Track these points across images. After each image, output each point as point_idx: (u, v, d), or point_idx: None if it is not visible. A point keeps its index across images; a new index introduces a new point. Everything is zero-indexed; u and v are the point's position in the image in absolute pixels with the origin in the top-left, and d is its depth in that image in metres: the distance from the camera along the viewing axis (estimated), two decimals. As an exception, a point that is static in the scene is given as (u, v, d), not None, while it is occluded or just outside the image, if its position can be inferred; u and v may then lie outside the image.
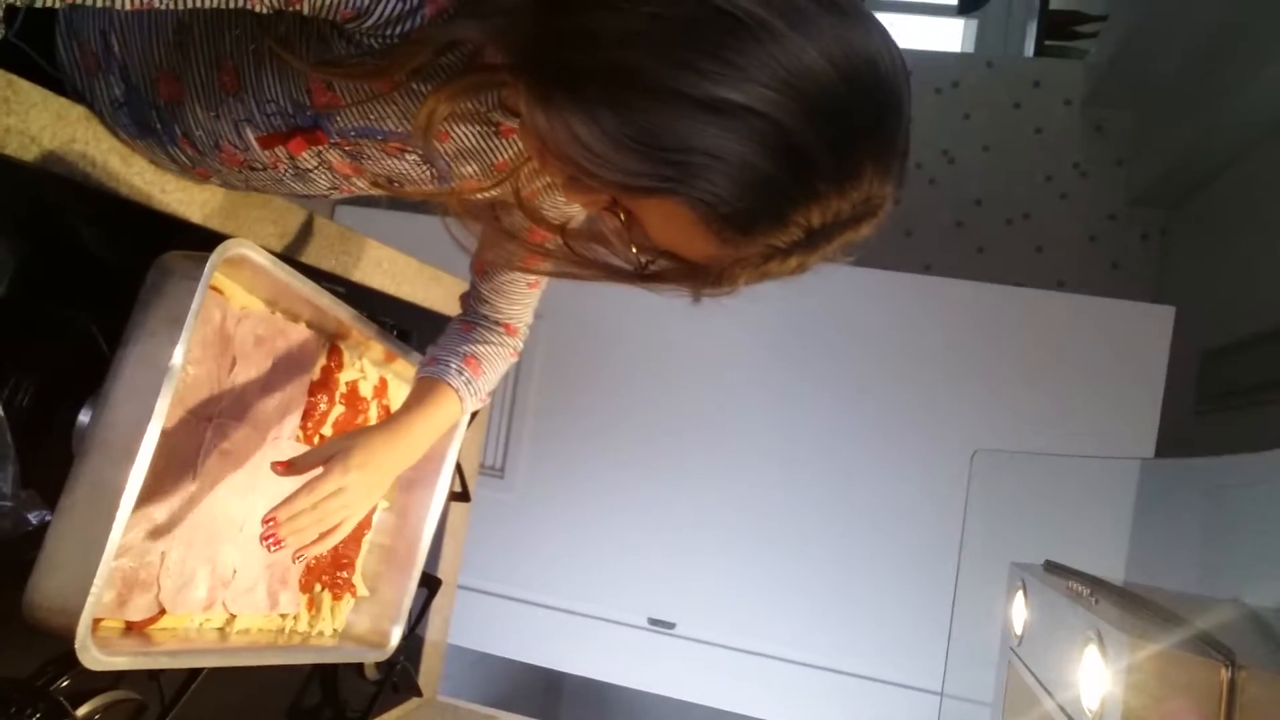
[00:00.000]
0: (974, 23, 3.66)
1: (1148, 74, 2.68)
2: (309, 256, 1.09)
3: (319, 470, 0.81)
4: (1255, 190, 2.29)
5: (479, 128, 0.73)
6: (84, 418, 0.74)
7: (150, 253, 0.75)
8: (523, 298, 0.97)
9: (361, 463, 0.82)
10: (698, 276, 0.60)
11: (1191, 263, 2.67)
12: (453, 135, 0.73)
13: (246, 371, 0.86)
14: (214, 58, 0.71)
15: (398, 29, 0.60)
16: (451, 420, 0.93)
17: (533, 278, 0.95)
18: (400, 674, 1.32)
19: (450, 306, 1.41)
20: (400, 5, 0.59)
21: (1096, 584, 0.88)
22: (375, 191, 0.84)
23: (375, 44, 0.62)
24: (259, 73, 0.70)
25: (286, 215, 1.04)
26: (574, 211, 0.81)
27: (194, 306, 0.72)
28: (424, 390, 0.92)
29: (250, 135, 0.75)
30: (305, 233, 1.08)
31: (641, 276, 0.64)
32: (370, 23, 0.60)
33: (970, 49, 3.69)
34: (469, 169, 0.77)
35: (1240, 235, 2.35)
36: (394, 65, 0.63)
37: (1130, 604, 0.79)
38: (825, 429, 2.09)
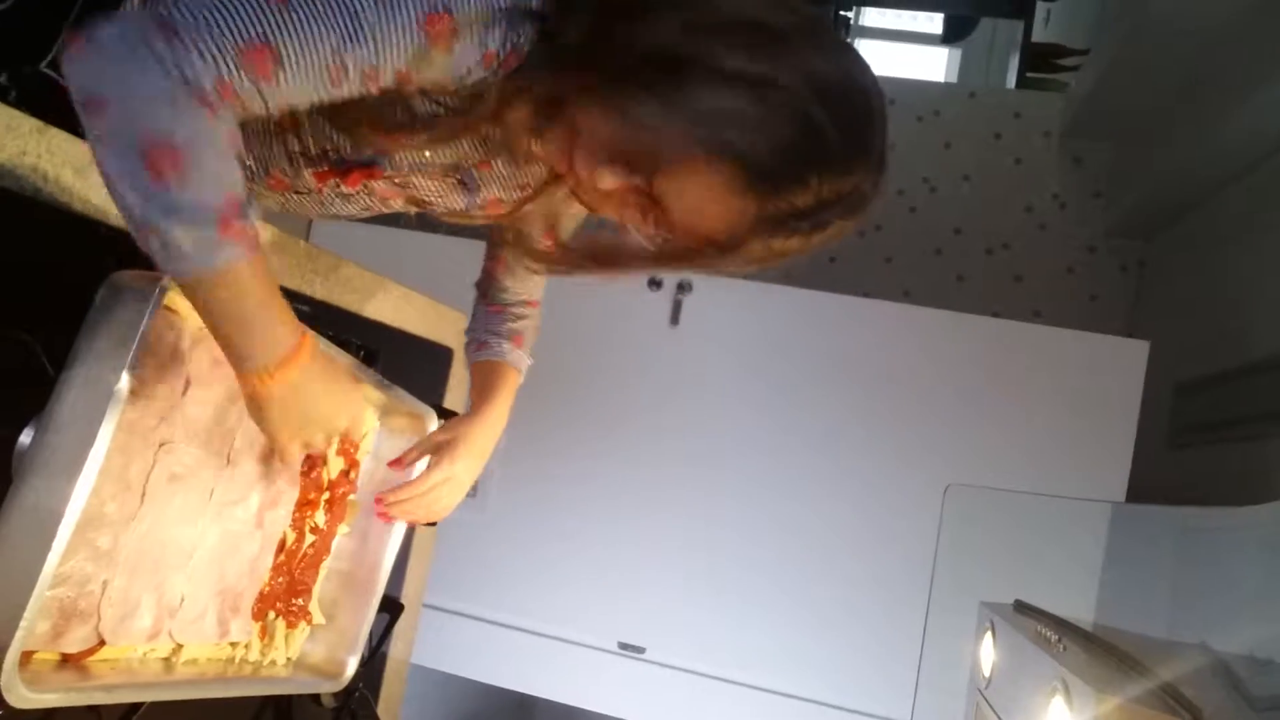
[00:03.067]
0: (958, 53, 3.70)
1: (1127, 107, 2.71)
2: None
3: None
4: (1231, 224, 2.31)
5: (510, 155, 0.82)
6: (25, 439, 0.72)
7: (102, 271, 0.73)
8: (537, 278, 1.10)
9: (466, 452, 0.97)
10: (710, 252, 0.68)
11: (1168, 296, 2.69)
12: (492, 162, 0.81)
13: (201, 394, 0.84)
14: None
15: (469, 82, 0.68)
16: (514, 393, 1.07)
17: None
18: (359, 701, 1.28)
19: (421, 327, 1.39)
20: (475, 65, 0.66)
21: (1064, 628, 0.87)
22: (409, 209, 0.89)
23: (450, 102, 0.70)
24: (314, 120, 0.74)
25: (251, 232, 1.01)
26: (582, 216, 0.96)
27: (144, 327, 0.70)
28: (489, 373, 1.05)
29: (306, 170, 0.78)
30: (270, 250, 1.06)
31: (655, 259, 0.72)
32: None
33: (954, 79, 3.73)
34: (496, 190, 0.85)
35: (1216, 269, 2.37)
36: (467, 122, 0.71)
37: (1097, 652, 0.78)
38: (799, 455, 2.08)
